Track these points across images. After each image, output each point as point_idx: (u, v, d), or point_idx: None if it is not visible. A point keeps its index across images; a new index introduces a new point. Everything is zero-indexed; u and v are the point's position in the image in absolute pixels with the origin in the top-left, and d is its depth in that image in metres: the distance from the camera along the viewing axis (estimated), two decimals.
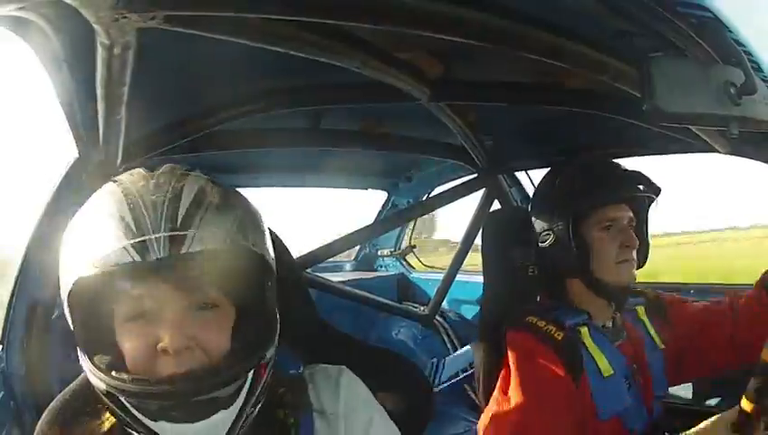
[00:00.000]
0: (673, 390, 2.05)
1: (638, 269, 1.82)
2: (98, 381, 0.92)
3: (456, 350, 3.36)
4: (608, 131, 2.13)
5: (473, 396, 3.06)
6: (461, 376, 3.12)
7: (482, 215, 2.93)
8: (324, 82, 1.93)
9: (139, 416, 0.90)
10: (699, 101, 0.92)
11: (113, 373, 0.90)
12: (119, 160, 1.83)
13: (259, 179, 3.04)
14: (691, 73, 0.93)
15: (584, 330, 1.72)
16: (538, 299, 1.94)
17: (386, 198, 3.81)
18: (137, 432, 0.93)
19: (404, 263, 4.09)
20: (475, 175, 2.84)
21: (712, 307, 1.88)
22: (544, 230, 1.83)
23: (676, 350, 1.86)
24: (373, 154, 2.77)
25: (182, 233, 0.88)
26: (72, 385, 1.15)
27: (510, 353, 1.72)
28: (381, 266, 4.14)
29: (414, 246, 4.06)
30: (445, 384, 3.10)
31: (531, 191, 2.56)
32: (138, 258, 0.86)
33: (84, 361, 0.94)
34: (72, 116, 1.61)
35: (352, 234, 3.15)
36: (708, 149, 1.56)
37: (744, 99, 0.92)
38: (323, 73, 1.71)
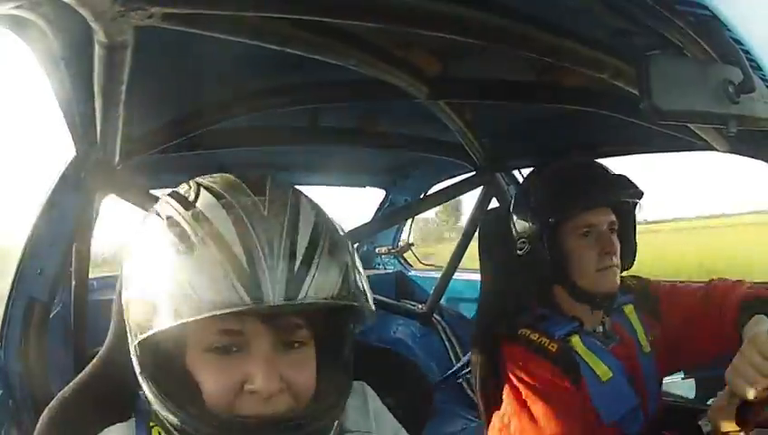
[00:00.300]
0: (675, 389, 2.05)
1: (624, 272, 1.79)
2: (169, 414, 0.85)
3: (454, 347, 3.36)
4: (606, 130, 2.13)
5: (471, 394, 3.07)
6: (459, 374, 3.14)
7: (480, 213, 2.92)
8: (322, 79, 1.93)
9: None
10: (697, 99, 0.92)
11: (191, 409, 0.84)
12: (116, 159, 1.83)
13: None
14: (689, 72, 0.93)
15: (575, 338, 1.70)
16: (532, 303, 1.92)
17: (384, 195, 3.80)
18: None
19: (402, 260, 4.09)
20: (473, 173, 2.84)
21: (702, 296, 1.78)
22: (520, 237, 1.79)
23: (667, 343, 1.82)
24: (371, 152, 2.77)
25: (299, 283, 0.80)
26: (72, 384, 1.15)
27: (508, 367, 1.71)
28: (379, 264, 4.14)
29: (412, 244, 4.06)
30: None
31: None
32: (249, 303, 0.77)
33: (151, 391, 0.87)
34: (69, 114, 1.61)
35: (350, 231, 3.14)
36: (707, 147, 1.57)
37: (742, 97, 0.92)
38: (321, 71, 1.71)
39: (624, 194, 1.74)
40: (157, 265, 0.83)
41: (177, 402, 0.85)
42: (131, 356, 0.89)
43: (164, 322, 0.80)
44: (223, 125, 2.03)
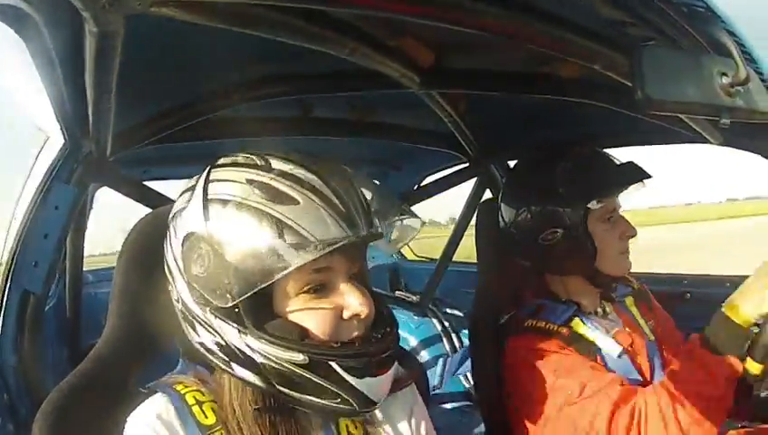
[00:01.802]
0: None
1: None
2: (294, 353, 0.98)
3: (449, 338, 3.37)
4: (599, 121, 2.13)
5: (467, 385, 3.09)
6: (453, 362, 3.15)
7: (474, 204, 2.93)
8: (315, 70, 1.92)
9: (347, 376, 0.99)
10: (690, 90, 0.92)
11: (321, 344, 1.00)
12: (108, 150, 1.82)
13: None
14: (682, 63, 0.93)
15: (576, 321, 1.72)
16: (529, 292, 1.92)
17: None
18: (330, 396, 1.01)
19: (396, 251, 4.09)
20: (467, 164, 2.84)
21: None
22: (550, 226, 1.78)
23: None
24: (364, 143, 2.76)
25: (375, 230, 1.02)
26: (69, 377, 1.15)
27: (523, 359, 1.68)
28: (373, 257, 4.14)
29: None
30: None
31: None
32: (351, 235, 0.97)
33: (263, 341, 0.98)
34: (61, 106, 1.60)
35: None
36: (700, 139, 1.57)
37: (735, 89, 0.92)
38: (313, 61, 1.71)
39: (642, 175, 1.78)
40: (261, 220, 0.95)
41: (294, 342, 0.99)
42: (223, 320, 1.00)
43: (293, 261, 0.94)
44: (215, 115, 2.02)
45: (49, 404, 1.11)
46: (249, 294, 0.96)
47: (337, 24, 1.49)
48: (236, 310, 0.98)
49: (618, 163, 1.82)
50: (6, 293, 1.80)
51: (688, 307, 1.97)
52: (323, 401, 1.01)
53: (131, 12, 1.10)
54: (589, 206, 1.73)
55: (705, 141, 1.56)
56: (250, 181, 0.99)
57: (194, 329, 1.06)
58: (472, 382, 2.70)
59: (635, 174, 1.78)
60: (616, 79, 1.29)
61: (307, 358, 0.97)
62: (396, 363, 1.07)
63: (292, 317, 1.01)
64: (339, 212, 0.97)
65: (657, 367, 1.77)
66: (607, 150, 1.90)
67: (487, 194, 2.89)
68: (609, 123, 2.06)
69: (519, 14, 1.23)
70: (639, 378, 1.67)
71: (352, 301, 1.02)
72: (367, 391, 1.01)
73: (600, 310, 1.80)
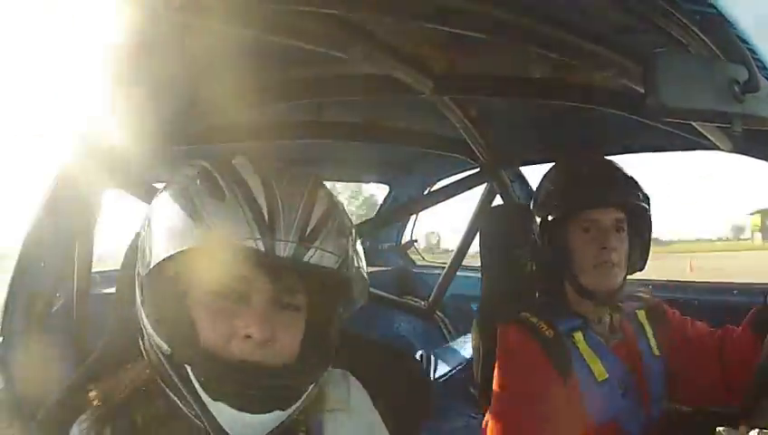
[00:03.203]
0: None
1: (632, 274, 1.78)
2: (162, 342, 0.92)
3: (456, 344, 3.36)
4: (611, 127, 2.13)
5: (472, 391, 3.07)
6: (458, 369, 3.13)
7: (484, 210, 2.92)
8: (327, 74, 1.92)
9: (201, 393, 0.90)
10: (702, 97, 0.92)
11: (192, 346, 0.92)
12: (120, 152, 1.83)
13: None
14: (695, 70, 0.93)
15: (578, 335, 1.69)
16: (536, 296, 1.92)
17: (387, 191, 3.80)
18: (187, 410, 0.94)
19: (405, 257, 4.09)
20: (478, 169, 2.84)
21: (702, 343, 1.79)
22: (532, 233, 1.80)
23: (670, 367, 1.80)
24: (375, 147, 2.77)
25: (308, 245, 0.91)
26: (73, 378, 1.15)
27: (498, 347, 1.71)
28: (383, 260, 4.13)
29: (415, 240, 4.06)
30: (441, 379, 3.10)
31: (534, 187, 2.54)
32: (261, 247, 0.88)
33: (151, 328, 0.94)
34: (73, 108, 1.61)
35: (353, 227, 3.14)
36: (711, 146, 1.56)
37: (747, 96, 0.92)
38: (326, 66, 1.71)
39: (625, 194, 1.72)
40: (185, 207, 0.92)
41: (173, 331, 0.93)
42: (136, 291, 0.98)
43: (186, 243, 0.89)
44: (227, 119, 2.03)
45: (52, 404, 1.12)
46: (153, 265, 0.93)
47: (351, 29, 1.50)
48: (146, 280, 0.96)
49: (601, 178, 1.75)
50: (14, 293, 1.81)
51: (695, 315, 1.94)
52: (185, 409, 0.94)
53: (150, 15, 1.11)
54: (549, 216, 1.74)
55: (715, 148, 1.55)
56: (200, 173, 0.97)
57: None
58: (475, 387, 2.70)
59: (602, 196, 1.71)
60: (628, 85, 1.29)
61: (170, 350, 0.92)
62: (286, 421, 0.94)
63: (195, 313, 0.94)
64: (257, 216, 0.90)
65: (655, 381, 1.75)
66: (618, 157, 1.87)
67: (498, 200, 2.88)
68: (620, 130, 2.05)
69: (532, 20, 1.23)
70: (614, 409, 1.65)
71: (248, 318, 0.91)
72: (219, 418, 0.90)
73: (606, 320, 1.78)
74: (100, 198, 2.09)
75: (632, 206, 1.73)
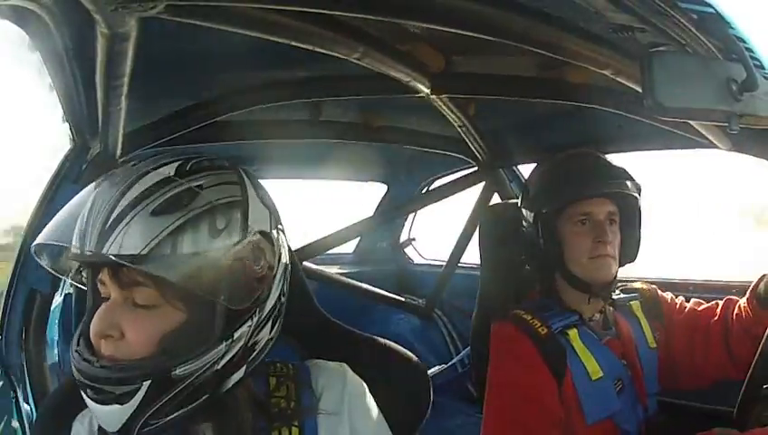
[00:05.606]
0: None
1: (623, 266, 1.80)
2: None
3: (454, 342, 3.36)
4: (608, 127, 2.13)
5: (471, 389, 3.08)
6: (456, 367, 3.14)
7: (481, 208, 2.93)
8: (325, 73, 1.92)
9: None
10: (700, 96, 0.92)
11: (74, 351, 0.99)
12: (118, 152, 1.82)
13: (258, 171, 3.01)
14: (692, 69, 0.93)
15: (573, 332, 1.70)
16: (535, 294, 1.92)
17: (386, 190, 3.80)
18: None
19: (403, 255, 4.09)
20: (475, 168, 2.84)
21: (703, 318, 1.82)
22: (524, 227, 1.83)
23: (668, 355, 1.83)
24: (373, 146, 2.77)
25: (107, 234, 0.90)
26: (72, 376, 1.15)
27: (492, 344, 1.73)
28: (381, 259, 4.13)
29: (413, 239, 4.06)
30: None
31: None
32: (77, 251, 0.94)
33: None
34: (70, 107, 1.61)
35: (352, 226, 3.15)
36: (709, 145, 1.56)
37: (744, 95, 0.92)
38: (324, 65, 1.71)
39: (618, 186, 1.74)
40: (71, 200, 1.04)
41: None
42: None
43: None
44: (224, 118, 2.03)
45: (51, 401, 1.12)
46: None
47: (348, 29, 1.50)
48: None
49: (592, 170, 1.78)
50: (13, 291, 1.81)
51: None
52: None
53: (143, 15, 1.10)
54: (543, 210, 1.76)
55: (713, 147, 1.55)
56: (112, 175, 1.00)
57: None
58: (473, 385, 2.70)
59: (597, 185, 1.74)
60: (625, 84, 1.29)
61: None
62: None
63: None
64: (79, 225, 0.94)
65: (651, 375, 1.78)
66: (613, 156, 1.88)
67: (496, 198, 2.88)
68: (617, 129, 2.06)
69: (529, 19, 1.23)
70: (610, 407, 1.67)
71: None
72: (91, 407, 0.97)
73: (598, 316, 1.79)
74: None
75: (625, 196, 1.75)
